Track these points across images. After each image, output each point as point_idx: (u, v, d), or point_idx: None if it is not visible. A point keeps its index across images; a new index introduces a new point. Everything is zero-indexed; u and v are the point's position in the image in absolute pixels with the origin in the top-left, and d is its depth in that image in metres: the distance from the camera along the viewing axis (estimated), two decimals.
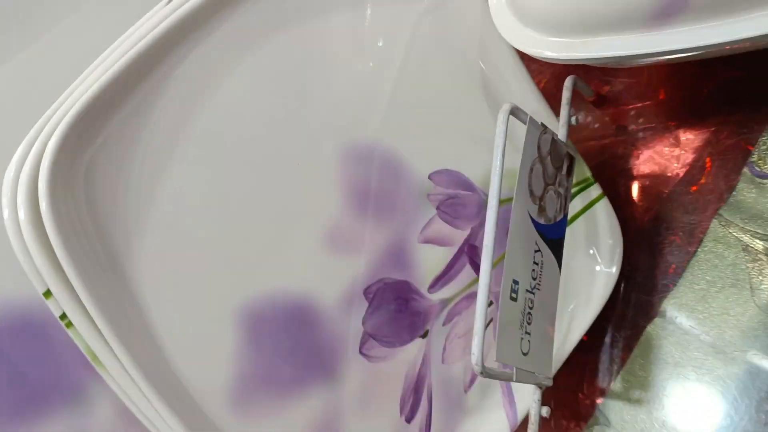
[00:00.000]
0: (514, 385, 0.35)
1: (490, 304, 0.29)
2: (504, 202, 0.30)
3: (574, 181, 0.36)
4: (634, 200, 0.38)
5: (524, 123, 0.30)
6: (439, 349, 0.33)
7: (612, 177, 0.38)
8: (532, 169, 0.31)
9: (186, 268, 0.27)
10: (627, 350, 0.36)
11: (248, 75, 0.28)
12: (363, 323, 0.30)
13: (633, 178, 0.38)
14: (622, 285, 0.37)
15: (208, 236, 0.27)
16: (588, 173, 0.36)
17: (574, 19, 0.28)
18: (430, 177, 0.32)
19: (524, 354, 0.31)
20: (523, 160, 0.30)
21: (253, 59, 0.28)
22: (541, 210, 0.32)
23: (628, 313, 0.37)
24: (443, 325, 0.33)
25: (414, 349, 0.32)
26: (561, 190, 0.33)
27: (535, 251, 0.31)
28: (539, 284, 0.32)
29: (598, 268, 0.36)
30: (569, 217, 0.36)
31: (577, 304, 0.36)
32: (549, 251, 0.32)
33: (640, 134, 0.38)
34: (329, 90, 0.30)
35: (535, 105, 0.35)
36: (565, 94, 0.35)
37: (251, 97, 0.28)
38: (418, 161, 0.32)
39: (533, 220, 0.31)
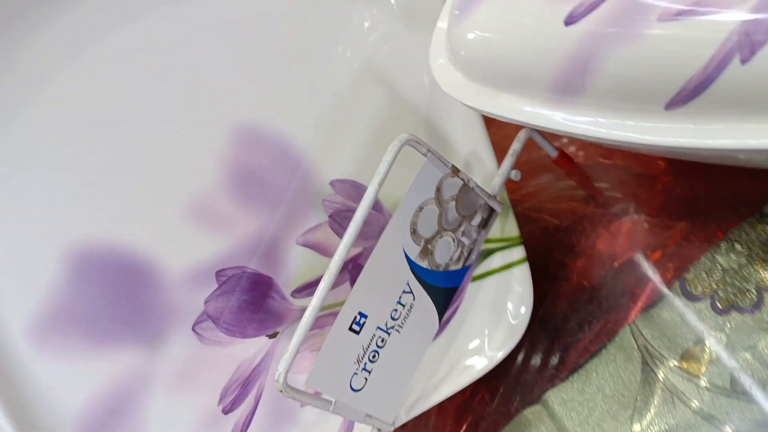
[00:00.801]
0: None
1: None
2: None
3: (500, 236, 0.34)
4: (558, 276, 0.35)
5: (424, 156, 0.28)
6: None
7: (547, 245, 0.35)
8: (421, 209, 0.29)
9: (31, 188, 0.27)
10: (495, 427, 0.34)
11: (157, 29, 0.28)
12: (205, 302, 0.30)
13: (567, 253, 0.35)
14: (519, 357, 0.34)
15: (64, 164, 0.27)
16: (516, 232, 0.34)
17: (487, 71, 0.26)
18: (331, 183, 0.31)
19: (354, 390, 0.29)
20: (409, 195, 0.28)
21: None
22: (426, 253, 0.30)
23: (511, 390, 0.34)
24: None
25: (256, 345, 0.31)
26: (465, 240, 0.31)
27: (404, 292, 0.30)
28: (401, 326, 0.30)
29: (485, 343, 0.34)
30: (485, 271, 0.34)
31: (455, 366, 0.34)
32: (427, 297, 0.30)
33: (600, 211, 0.36)
34: (247, 66, 0.29)
35: (476, 147, 0.33)
36: (514, 145, 0.32)
37: (149, 53, 0.28)
38: (324, 164, 0.31)
39: (409, 260, 0.29)
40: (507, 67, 0.25)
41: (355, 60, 0.31)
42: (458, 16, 0.28)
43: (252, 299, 0.30)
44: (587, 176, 0.37)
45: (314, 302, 0.26)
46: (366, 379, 0.29)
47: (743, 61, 0.19)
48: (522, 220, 0.35)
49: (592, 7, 0.23)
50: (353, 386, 0.29)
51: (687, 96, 0.21)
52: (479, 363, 0.33)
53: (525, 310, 0.34)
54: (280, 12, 0.29)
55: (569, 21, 0.23)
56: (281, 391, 0.26)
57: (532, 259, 0.34)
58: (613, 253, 0.34)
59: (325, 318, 0.32)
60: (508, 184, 0.33)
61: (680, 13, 0.21)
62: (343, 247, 0.26)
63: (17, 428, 0.27)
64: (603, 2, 0.23)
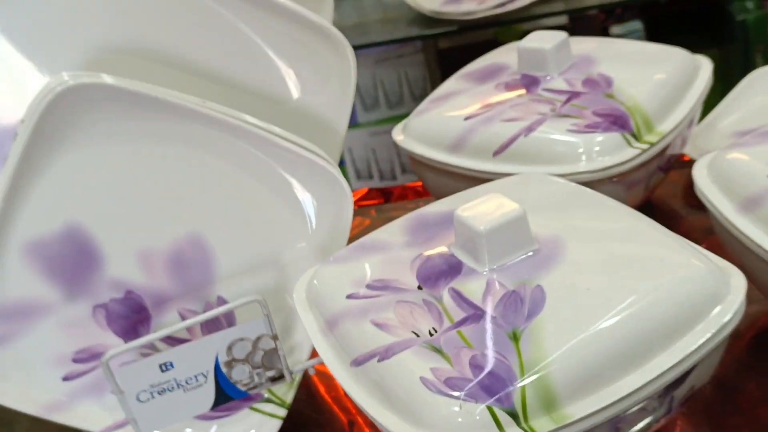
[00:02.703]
0: None
1: None
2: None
3: (280, 395, 0.52)
4: None
5: (265, 315, 0.47)
6: None
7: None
8: (242, 339, 0.48)
9: None
10: None
11: None
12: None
13: None
14: None
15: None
16: (289, 400, 0.52)
17: None
18: (217, 297, 0.51)
19: (139, 400, 0.47)
20: (240, 327, 0.47)
21: None
22: (229, 365, 0.48)
23: None
24: None
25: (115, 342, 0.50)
26: (257, 379, 0.50)
27: (202, 374, 0.48)
28: (186, 389, 0.48)
29: None
30: (257, 408, 0.52)
31: None
32: (213, 388, 0.49)
33: None
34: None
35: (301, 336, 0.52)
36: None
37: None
38: (220, 281, 0.51)
39: (217, 361, 0.48)
40: None
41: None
42: None
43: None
44: None
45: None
46: (148, 399, 0.47)
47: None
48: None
49: None
50: (140, 398, 0.47)
51: None
52: None
53: None
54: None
55: None
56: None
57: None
58: None
59: (171, 340, 0.50)
60: None
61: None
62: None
63: None
64: None
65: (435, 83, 1.64)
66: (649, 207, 0.62)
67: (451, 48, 1.57)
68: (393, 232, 0.48)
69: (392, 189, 0.77)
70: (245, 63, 0.52)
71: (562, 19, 1.55)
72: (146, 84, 0.47)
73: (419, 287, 0.42)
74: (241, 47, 0.51)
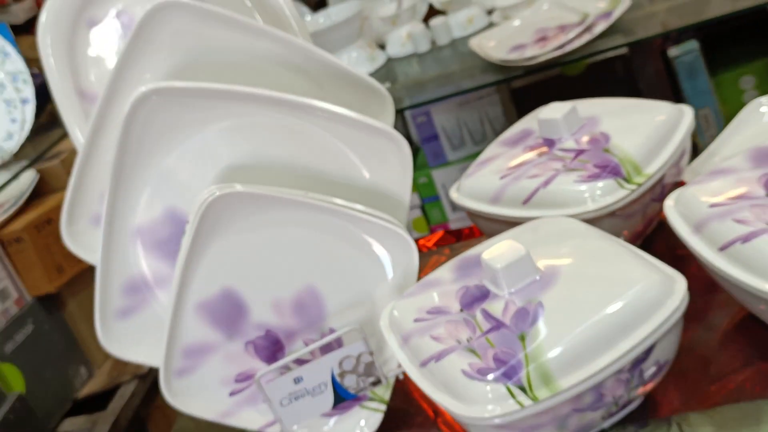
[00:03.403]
0: None
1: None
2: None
3: (381, 395, 0.72)
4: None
5: (363, 339, 0.67)
6: None
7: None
8: (348, 356, 0.68)
9: None
10: None
11: None
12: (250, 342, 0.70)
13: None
14: None
15: None
16: (387, 398, 0.72)
17: None
18: (329, 328, 0.71)
19: (282, 404, 0.68)
20: (350, 346, 0.67)
21: None
22: (342, 375, 0.69)
23: None
24: None
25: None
26: (361, 385, 0.70)
27: (323, 383, 0.68)
28: (313, 395, 0.69)
29: None
30: (365, 405, 0.72)
31: None
32: (331, 393, 0.69)
33: None
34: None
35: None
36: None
37: None
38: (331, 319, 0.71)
39: (333, 373, 0.68)
40: None
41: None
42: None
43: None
44: None
45: None
46: (287, 403, 0.68)
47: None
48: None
49: None
50: (282, 403, 0.68)
51: None
52: None
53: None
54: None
55: None
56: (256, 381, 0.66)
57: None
58: None
59: (299, 361, 0.71)
60: None
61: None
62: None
63: None
64: None
65: (511, 119, 1.82)
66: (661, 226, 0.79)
67: (524, 86, 1.75)
68: (446, 270, 0.67)
69: (463, 230, 0.96)
70: (330, 160, 0.73)
71: (623, 49, 1.69)
72: (265, 186, 0.68)
73: (461, 309, 0.62)
74: (326, 150, 0.72)
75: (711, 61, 1.71)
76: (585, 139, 0.76)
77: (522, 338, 0.57)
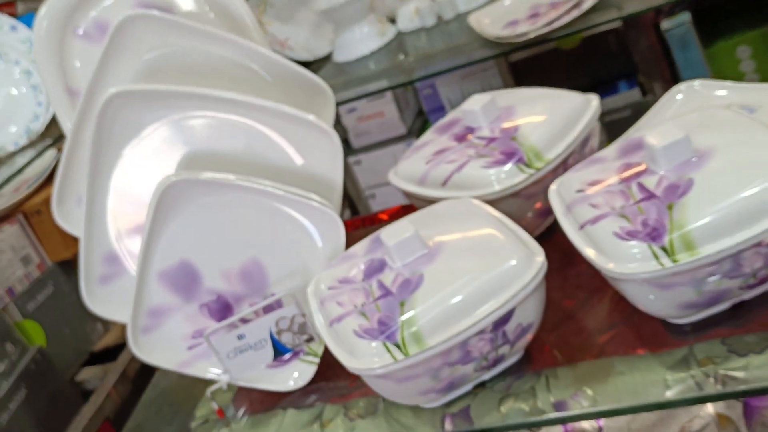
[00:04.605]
0: None
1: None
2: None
3: (312, 348, 0.84)
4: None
5: (297, 302, 0.80)
6: None
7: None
8: (284, 317, 0.80)
9: None
10: None
11: None
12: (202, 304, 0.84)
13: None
14: None
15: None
16: (320, 353, 0.84)
17: None
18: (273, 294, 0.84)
19: (228, 356, 0.81)
20: (285, 308, 0.80)
21: None
22: (279, 332, 0.81)
23: None
24: None
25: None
26: (296, 341, 0.82)
27: (263, 339, 0.81)
28: (254, 349, 0.81)
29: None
30: (302, 359, 0.85)
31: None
32: (270, 348, 0.82)
33: None
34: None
35: None
36: None
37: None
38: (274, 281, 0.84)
39: (271, 331, 0.81)
40: None
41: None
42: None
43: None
44: None
45: None
46: (233, 356, 0.81)
47: None
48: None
49: None
50: (228, 356, 0.81)
51: None
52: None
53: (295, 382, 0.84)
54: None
55: None
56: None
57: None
58: None
59: (244, 320, 0.84)
60: None
61: None
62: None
63: None
64: None
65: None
66: None
67: (522, 59, 1.84)
68: (361, 245, 0.79)
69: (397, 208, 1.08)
70: (269, 149, 0.85)
71: (617, 23, 1.75)
72: (213, 173, 0.81)
73: (363, 279, 0.73)
74: (266, 140, 0.85)
75: (707, 31, 1.75)
76: (498, 128, 0.86)
77: (402, 305, 0.69)
